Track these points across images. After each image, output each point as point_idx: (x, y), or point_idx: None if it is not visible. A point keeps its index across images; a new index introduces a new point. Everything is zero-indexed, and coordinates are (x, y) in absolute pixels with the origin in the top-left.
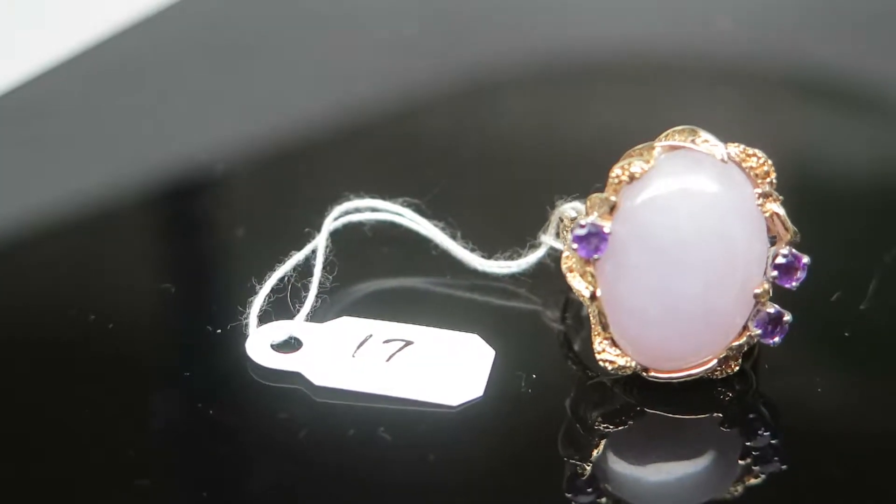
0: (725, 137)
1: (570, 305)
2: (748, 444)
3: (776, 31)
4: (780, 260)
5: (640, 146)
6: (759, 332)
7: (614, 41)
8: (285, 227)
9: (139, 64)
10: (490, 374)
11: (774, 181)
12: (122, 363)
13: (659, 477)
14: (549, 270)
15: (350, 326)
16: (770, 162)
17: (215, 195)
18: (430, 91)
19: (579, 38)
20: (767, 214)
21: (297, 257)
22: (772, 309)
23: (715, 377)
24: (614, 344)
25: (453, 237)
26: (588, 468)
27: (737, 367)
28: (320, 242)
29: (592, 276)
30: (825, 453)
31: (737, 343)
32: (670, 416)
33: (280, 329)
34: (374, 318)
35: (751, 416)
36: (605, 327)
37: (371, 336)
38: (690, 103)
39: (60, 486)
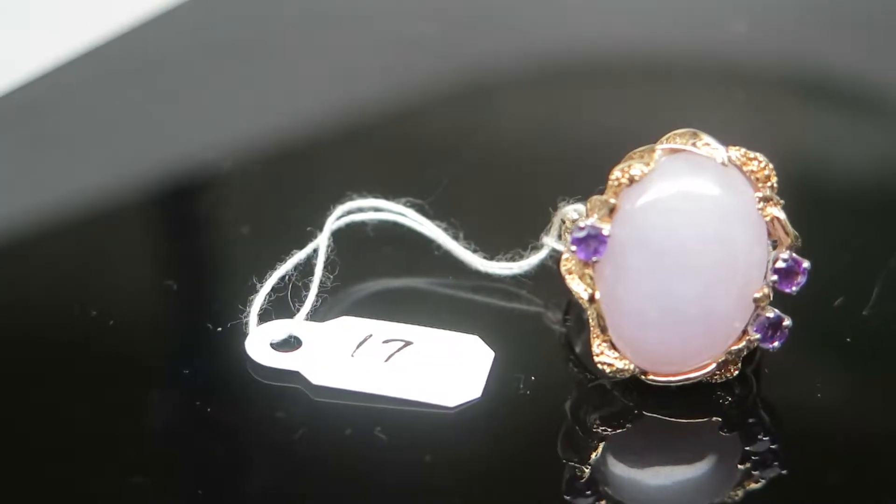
0: (728, 140)
1: (572, 307)
2: (748, 448)
3: (782, 34)
4: (780, 264)
5: (640, 148)
6: (758, 336)
7: (619, 42)
8: (289, 225)
9: (144, 63)
10: (489, 376)
11: (776, 185)
12: (122, 360)
13: (657, 481)
14: (551, 272)
15: (350, 326)
16: (771, 166)
17: (220, 193)
18: (435, 91)
19: (584, 40)
20: (768, 219)
21: (299, 256)
22: (771, 313)
23: (714, 381)
24: (613, 347)
25: (455, 238)
26: (587, 471)
27: (736, 372)
28: (322, 242)
29: (591, 278)
30: (825, 459)
31: (736, 347)
32: (670, 419)
33: (280, 328)
34: (375, 318)
35: (751, 420)
36: (603, 330)
37: (371, 336)
38: (694, 105)
39: (57, 482)
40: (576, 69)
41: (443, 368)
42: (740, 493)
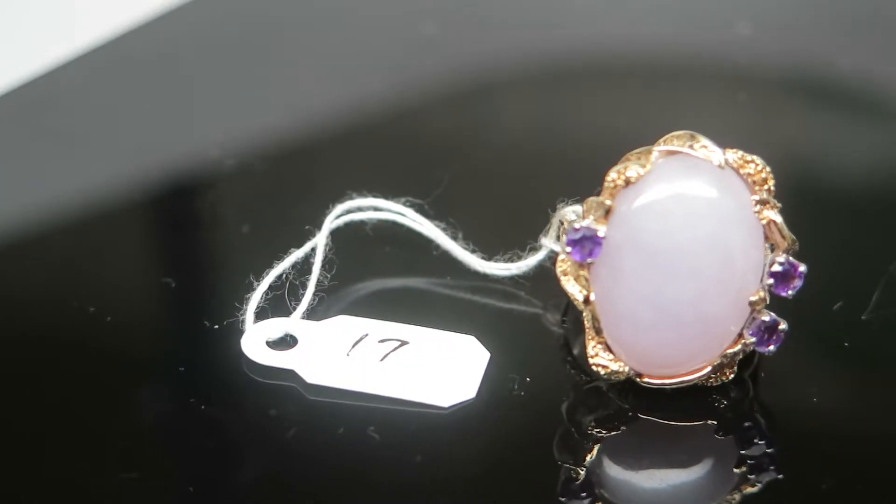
0: (729, 142)
1: (571, 309)
2: (743, 452)
3: (784, 36)
4: (776, 268)
5: (637, 150)
6: (753, 339)
7: (621, 43)
8: (289, 224)
9: (148, 61)
10: (484, 377)
11: (772, 188)
12: (118, 356)
13: (652, 483)
14: (550, 273)
15: (346, 325)
16: (768, 169)
17: (221, 191)
18: (436, 91)
19: (586, 40)
20: (765, 222)
21: (297, 255)
22: (767, 317)
23: (710, 384)
24: (608, 349)
25: (454, 238)
26: (582, 473)
27: (732, 375)
28: (320, 240)
29: (586, 279)
30: (820, 464)
31: (731, 350)
32: (665, 422)
33: (276, 326)
34: (372, 317)
35: (746, 424)
36: (598, 331)
37: (367, 335)
38: (696, 107)
39: (50, 477)
40: (577, 70)
41: (438, 368)
42: (735, 496)
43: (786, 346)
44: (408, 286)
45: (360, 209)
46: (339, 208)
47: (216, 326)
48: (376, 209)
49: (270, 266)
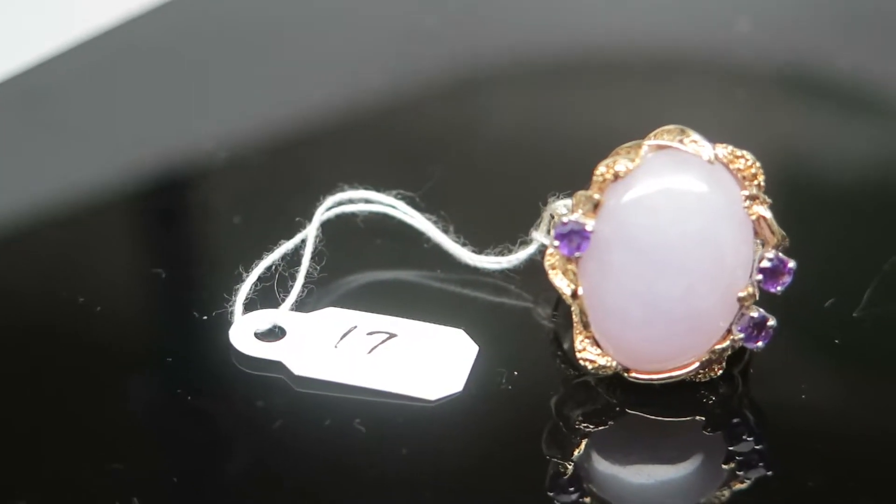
0: (725, 138)
1: (561, 303)
2: (731, 448)
3: (782, 32)
4: (765, 264)
5: (627, 144)
6: (742, 336)
7: (615, 39)
8: (281, 216)
9: (143, 53)
10: (472, 370)
11: (762, 184)
12: (106, 346)
13: (640, 479)
14: (540, 267)
15: (335, 317)
16: (758, 164)
17: (214, 183)
18: (429, 85)
19: (580, 35)
20: (754, 217)
21: (286, 246)
22: (756, 313)
23: (698, 380)
24: (595, 343)
25: (445, 231)
26: (569, 467)
27: (720, 371)
28: (310, 232)
29: (574, 273)
30: (808, 460)
31: (720, 346)
32: (652, 417)
33: (265, 318)
34: (362, 309)
35: (735, 420)
36: (586, 326)
37: (355, 328)
38: (693, 102)
39: (34, 465)
40: (571, 65)
41: (426, 361)
42: (722, 493)
43: (776, 343)
44: (398, 279)
45: (351, 201)
46: (330, 200)
47: (205, 317)
48: (368, 201)
49: (261, 258)
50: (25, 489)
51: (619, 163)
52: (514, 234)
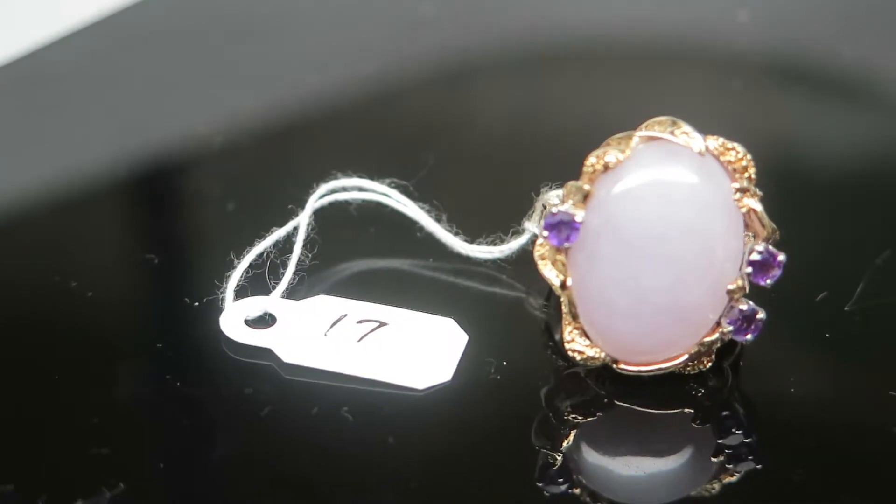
0: (719, 130)
1: (553, 294)
2: (720, 441)
3: (773, 21)
4: (754, 256)
5: (619, 135)
6: (731, 328)
7: (612, 28)
8: (275, 203)
9: (140, 38)
10: (462, 360)
11: (753, 176)
12: (97, 331)
13: (629, 471)
14: (533, 257)
15: (326, 305)
16: (749, 157)
17: (209, 169)
18: (424, 74)
19: (577, 24)
20: (744, 210)
21: (278, 234)
22: (745, 306)
23: (687, 373)
24: (584, 334)
25: (438, 220)
26: (558, 458)
27: (710, 364)
28: (302, 220)
29: (563, 264)
30: (796, 453)
31: (709, 339)
32: (641, 409)
33: (256, 305)
34: (353, 297)
35: (724, 413)
36: (574, 317)
37: (346, 316)
38: (689, 93)
39: (19, 448)
40: (566, 54)
41: (415, 351)
42: (711, 486)
43: (768, 336)
44: (390, 267)
45: (344, 189)
46: (324, 188)
47: (196, 304)
48: (361, 189)
49: (253, 245)
50: (12, 473)
51: (610, 154)
52: (506, 224)
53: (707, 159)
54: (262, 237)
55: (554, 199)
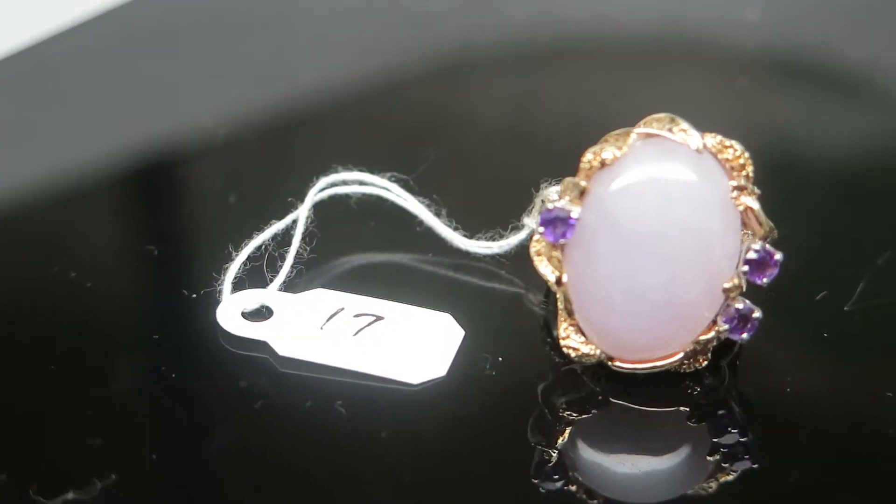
0: (722, 127)
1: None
2: (715, 440)
3: (777, 19)
4: (751, 255)
5: (617, 131)
6: (726, 327)
7: (618, 23)
8: (276, 195)
9: (145, 30)
10: (458, 355)
11: (751, 174)
12: (94, 322)
13: (624, 468)
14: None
15: (323, 298)
16: (747, 154)
17: (212, 161)
18: (426, 68)
19: (582, 18)
20: (741, 208)
21: (277, 227)
22: (741, 304)
23: (683, 371)
24: (580, 331)
25: (438, 215)
26: (553, 455)
27: (705, 362)
28: (301, 213)
29: (559, 260)
30: (792, 454)
31: (704, 337)
32: (637, 407)
33: (253, 297)
34: (351, 291)
35: (720, 412)
36: (570, 313)
37: (343, 309)
38: (694, 89)
39: (12, 438)
40: (569, 50)
41: (411, 345)
42: (706, 485)
43: (766, 335)
44: (389, 261)
45: (344, 183)
46: (324, 181)
47: (194, 295)
48: (362, 183)
49: (252, 237)
50: (5, 462)
51: (607, 150)
52: (506, 220)
53: (705, 157)
54: (261, 230)
55: (553, 195)
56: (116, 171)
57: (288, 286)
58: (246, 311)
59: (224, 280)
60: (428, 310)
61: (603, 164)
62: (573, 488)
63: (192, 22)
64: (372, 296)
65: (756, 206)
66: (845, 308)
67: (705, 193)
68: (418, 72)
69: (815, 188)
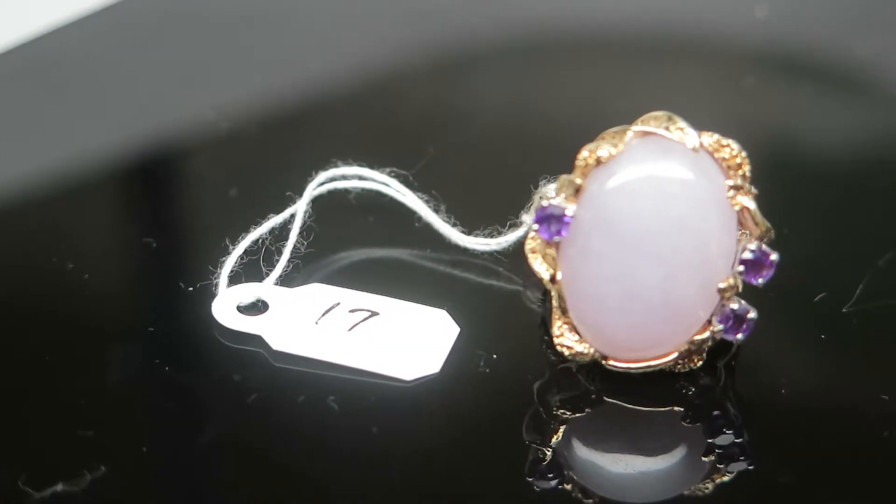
0: (718, 125)
1: None
2: (710, 441)
3: (778, 17)
4: (746, 255)
5: (613, 129)
6: (721, 327)
7: (613, 17)
8: (277, 189)
9: (150, 23)
10: (452, 352)
11: (748, 174)
12: (90, 313)
13: (618, 468)
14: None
15: (319, 293)
16: (744, 154)
17: (214, 155)
18: (427, 63)
19: (585, 14)
20: (737, 208)
21: (274, 221)
22: (736, 305)
23: (678, 371)
24: (574, 329)
25: (437, 211)
26: (548, 453)
27: (700, 363)
28: (300, 207)
29: (553, 258)
30: (785, 455)
31: (699, 337)
32: (631, 407)
33: (249, 291)
34: (348, 286)
35: (714, 413)
36: (564, 311)
37: (338, 304)
38: (698, 87)
39: (1, 428)
40: (569, 45)
41: (405, 341)
42: (700, 485)
43: (764, 336)
44: (387, 257)
45: (344, 177)
46: (323, 176)
47: (190, 288)
48: (361, 178)
49: (250, 231)
50: None
51: (602, 148)
52: (504, 217)
53: (701, 155)
54: (259, 224)
55: (552, 192)
56: (118, 163)
57: (285, 281)
58: (241, 305)
59: (220, 274)
60: (423, 306)
61: (598, 161)
62: (568, 487)
63: (195, 15)
64: (369, 291)
65: (752, 205)
66: (844, 310)
67: (701, 192)
68: (419, 67)
69: (819, 188)
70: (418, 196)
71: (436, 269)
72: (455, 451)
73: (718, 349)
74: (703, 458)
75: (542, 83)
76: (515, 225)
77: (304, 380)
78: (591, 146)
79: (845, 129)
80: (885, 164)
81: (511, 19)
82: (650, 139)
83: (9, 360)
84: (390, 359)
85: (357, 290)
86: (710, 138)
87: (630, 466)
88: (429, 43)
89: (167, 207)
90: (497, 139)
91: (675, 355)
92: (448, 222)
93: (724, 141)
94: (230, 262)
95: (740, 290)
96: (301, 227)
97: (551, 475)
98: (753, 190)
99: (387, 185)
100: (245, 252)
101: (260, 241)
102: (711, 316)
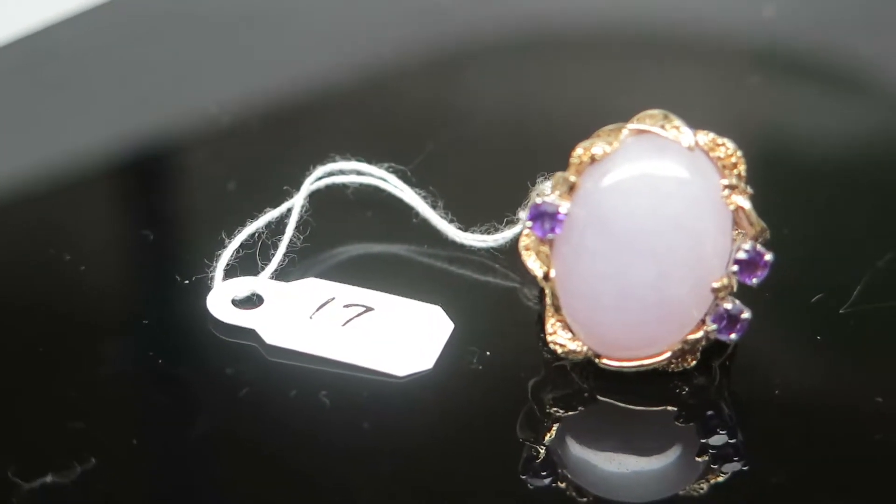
0: (720, 123)
1: None
2: (703, 440)
3: (779, 16)
4: (741, 255)
5: (609, 127)
6: (715, 327)
7: (613, 14)
8: (276, 183)
9: (152, 17)
10: (446, 348)
11: (743, 173)
12: (85, 306)
13: (611, 466)
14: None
15: (314, 288)
16: (739, 153)
17: (214, 148)
18: (426, 59)
19: (583, 11)
20: (733, 208)
21: (271, 215)
22: (730, 304)
23: (671, 370)
24: (567, 327)
25: (434, 207)
26: (541, 451)
27: (694, 362)
28: (297, 202)
29: (547, 255)
30: (778, 456)
31: (693, 337)
32: (624, 405)
33: (244, 285)
34: (344, 281)
35: (709, 412)
36: (557, 309)
37: (333, 299)
38: (700, 85)
39: None
40: (568, 43)
41: (399, 337)
42: (692, 485)
43: (760, 337)
44: (383, 252)
45: (342, 172)
46: (320, 170)
47: (186, 282)
48: (359, 173)
49: (247, 225)
50: None
51: (597, 145)
52: (502, 214)
53: (697, 154)
54: (256, 218)
55: (548, 189)
56: (116, 157)
57: (281, 275)
58: (236, 298)
59: (216, 267)
60: (418, 302)
61: (593, 159)
62: (561, 485)
63: (194, 10)
64: (365, 286)
65: (747, 205)
66: (840, 311)
67: (697, 191)
68: (418, 63)
69: (816, 187)
70: (416, 192)
71: (432, 265)
72: (448, 448)
73: (714, 349)
74: (697, 458)
75: (541, 80)
76: (512, 222)
77: (297, 374)
78: (585, 143)
79: (844, 128)
80: (885, 165)
81: (509, 16)
82: (645, 137)
83: (2, 352)
84: (384, 354)
85: (353, 285)
86: (705, 137)
87: (623, 466)
88: (428, 39)
89: (165, 201)
90: (495, 136)
91: (668, 355)
92: (445, 218)
93: (720, 140)
94: (226, 256)
95: (734, 289)
96: (298, 222)
97: (544, 473)
98: (749, 189)
99: (385, 180)
100: (241, 246)
101: (256, 234)
102: (705, 315)
